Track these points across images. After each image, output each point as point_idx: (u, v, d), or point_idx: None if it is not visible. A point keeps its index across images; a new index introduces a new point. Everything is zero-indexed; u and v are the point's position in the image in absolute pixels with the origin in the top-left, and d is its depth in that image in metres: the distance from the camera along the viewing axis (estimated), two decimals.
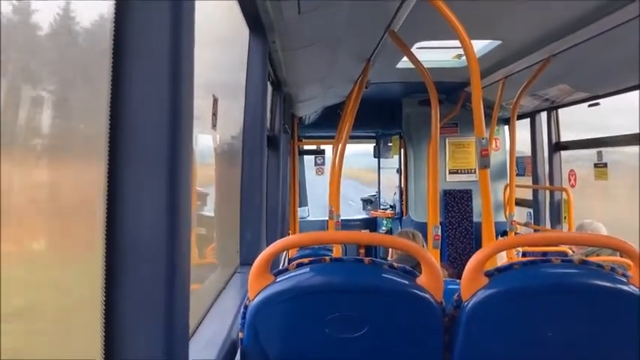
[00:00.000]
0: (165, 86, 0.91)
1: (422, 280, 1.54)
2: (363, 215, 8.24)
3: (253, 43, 2.58)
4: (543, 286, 1.54)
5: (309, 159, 7.92)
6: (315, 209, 8.06)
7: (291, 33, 2.68)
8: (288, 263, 1.62)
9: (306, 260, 1.59)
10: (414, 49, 3.65)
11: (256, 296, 1.53)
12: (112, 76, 0.89)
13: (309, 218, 7.64)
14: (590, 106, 4.57)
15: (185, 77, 0.94)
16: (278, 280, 1.54)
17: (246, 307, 1.55)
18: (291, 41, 2.84)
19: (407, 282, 1.54)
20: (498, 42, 3.78)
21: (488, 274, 1.56)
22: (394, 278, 1.55)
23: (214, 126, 1.87)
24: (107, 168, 0.89)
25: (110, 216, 0.89)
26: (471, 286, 1.53)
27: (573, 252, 3.79)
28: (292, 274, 1.55)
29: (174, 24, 0.91)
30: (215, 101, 1.84)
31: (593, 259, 3.07)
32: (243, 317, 1.55)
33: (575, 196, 4.91)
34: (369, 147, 8.29)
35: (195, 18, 0.98)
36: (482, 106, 2.55)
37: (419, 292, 1.52)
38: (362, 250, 7.07)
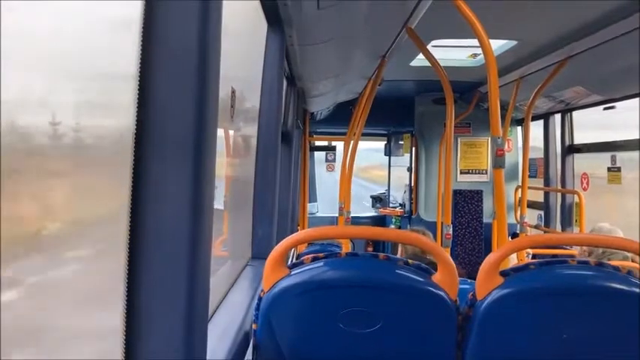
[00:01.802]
0: (191, 81, 0.92)
1: (437, 277, 1.54)
2: (372, 213, 8.24)
3: (271, 37, 2.58)
4: (559, 287, 1.54)
5: (319, 155, 7.92)
6: (323, 206, 8.07)
7: (308, 28, 2.67)
8: (297, 258, 1.63)
9: (321, 254, 1.60)
10: (429, 47, 3.64)
11: (271, 288, 1.54)
12: (140, 70, 0.89)
13: (319, 214, 7.64)
14: (605, 109, 4.54)
15: (211, 72, 0.95)
16: (293, 272, 1.55)
17: (260, 299, 1.56)
18: (308, 36, 2.84)
19: (422, 279, 1.54)
20: (515, 42, 3.76)
21: (504, 274, 1.55)
22: (409, 275, 1.55)
23: (232, 117, 1.87)
24: (133, 159, 0.90)
25: (134, 206, 0.90)
26: (486, 285, 1.53)
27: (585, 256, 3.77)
28: (308, 267, 1.55)
29: (201, 20, 0.92)
30: (233, 93, 1.84)
31: None
32: (257, 309, 1.56)
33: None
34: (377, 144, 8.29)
35: (222, 13, 0.99)
36: (498, 105, 2.55)
37: (434, 290, 1.52)
38: (370, 248, 7.07)
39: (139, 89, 0.90)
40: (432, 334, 1.56)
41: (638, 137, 4.18)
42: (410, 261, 1.59)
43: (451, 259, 1.56)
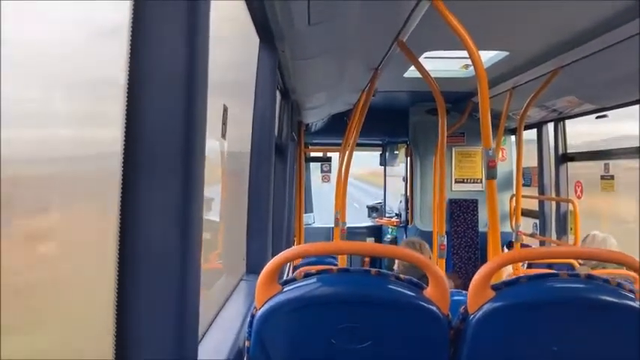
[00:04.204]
0: (179, 92, 0.92)
1: (428, 292, 1.54)
2: (368, 223, 8.24)
3: (263, 52, 2.59)
4: (550, 300, 1.54)
5: (315, 166, 7.94)
6: (320, 216, 8.07)
7: (300, 43, 2.69)
8: (293, 270, 1.63)
9: (313, 269, 1.60)
10: (421, 59, 3.66)
11: (263, 305, 1.54)
12: (128, 81, 0.90)
13: (315, 225, 7.64)
14: (598, 117, 4.57)
15: (199, 83, 0.95)
16: (285, 289, 1.55)
17: (252, 316, 1.56)
18: (300, 51, 2.85)
19: (413, 294, 1.54)
20: (506, 53, 3.79)
21: (495, 288, 1.56)
22: (401, 290, 1.55)
23: (223, 135, 1.88)
24: (122, 173, 0.91)
25: (123, 221, 0.91)
26: (478, 299, 1.54)
27: (580, 264, 3.78)
28: (299, 284, 1.56)
29: (189, 29, 0.92)
30: (225, 110, 1.86)
31: (599, 271, 3.07)
32: (250, 326, 1.56)
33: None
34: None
35: (210, 23, 1.00)
36: (489, 117, 2.56)
37: (425, 304, 1.53)
38: (367, 259, 7.06)
39: (127, 103, 0.90)
40: (425, 349, 1.56)
41: (633, 145, 4.20)
42: (401, 276, 1.59)
43: (442, 273, 1.57)
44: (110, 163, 0.94)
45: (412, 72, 4.49)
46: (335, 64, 3.48)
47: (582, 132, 5.34)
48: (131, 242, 0.91)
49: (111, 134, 0.95)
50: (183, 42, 0.92)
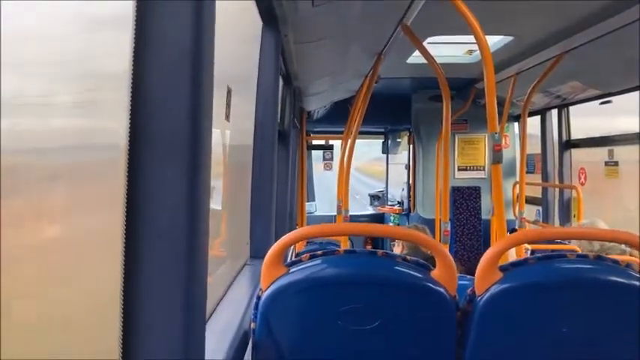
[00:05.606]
0: (185, 80, 0.91)
1: (436, 273, 1.54)
2: (370, 211, 8.24)
3: (266, 35, 2.57)
4: (558, 281, 1.53)
5: (316, 154, 7.92)
6: (322, 204, 8.07)
7: (304, 26, 2.67)
8: (296, 257, 1.62)
9: (319, 252, 1.59)
10: (425, 44, 3.63)
11: (269, 287, 1.53)
12: (133, 70, 0.89)
13: (317, 213, 7.64)
14: (602, 103, 4.54)
15: (205, 71, 0.94)
16: (291, 271, 1.54)
17: (258, 298, 1.55)
18: (303, 35, 2.83)
19: (421, 275, 1.53)
20: (510, 38, 3.76)
21: (503, 269, 1.55)
22: (408, 271, 1.54)
23: (227, 117, 1.87)
24: (127, 158, 0.90)
25: (130, 207, 0.90)
26: (486, 281, 1.53)
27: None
28: (305, 265, 1.55)
29: (195, 19, 0.92)
30: (229, 92, 1.84)
31: None
32: (256, 308, 1.55)
33: None
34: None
35: (215, 12, 0.99)
36: (495, 102, 2.55)
37: (432, 286, 1.52)
38: (369, 246, 7.07)
39: (132, 89, 0.89)
40: (432, 330, 1.55)
41: (636, 131, 4.18)
42: (408, 257, 1.58)
43: (449, 255, 1.56)
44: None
45: (415, 58, 4.47)
46: (338, 49, 3.46)
47: (582, 129, 5.32)
48: (138, 228, 0.91)
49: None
50: (188, 25, 0.91)
